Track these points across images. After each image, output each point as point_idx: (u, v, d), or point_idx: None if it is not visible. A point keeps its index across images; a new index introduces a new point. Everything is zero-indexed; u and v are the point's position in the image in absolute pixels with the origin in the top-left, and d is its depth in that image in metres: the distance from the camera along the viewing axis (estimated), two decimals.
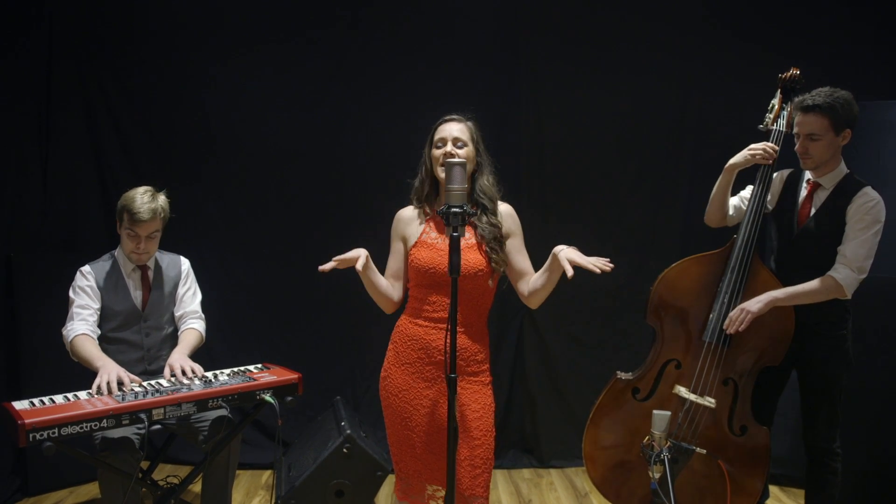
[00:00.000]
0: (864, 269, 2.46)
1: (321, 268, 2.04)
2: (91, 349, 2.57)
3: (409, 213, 2.25)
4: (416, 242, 2.18)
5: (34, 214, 3.59)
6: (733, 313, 2.50)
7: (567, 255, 1.94)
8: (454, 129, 2.16)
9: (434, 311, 2.13)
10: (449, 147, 2.13)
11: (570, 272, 1.90)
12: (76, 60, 3.73)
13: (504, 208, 2.22)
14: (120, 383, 2.41)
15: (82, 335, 2.61)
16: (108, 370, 2.45)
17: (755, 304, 2.48)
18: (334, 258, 2.04)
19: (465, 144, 2.14)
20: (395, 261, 2.25)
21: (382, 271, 2.24)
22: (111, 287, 2.74)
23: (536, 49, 3.82)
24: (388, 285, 2.22)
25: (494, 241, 2.14)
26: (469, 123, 2.20)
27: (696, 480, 2.59)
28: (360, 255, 2.05)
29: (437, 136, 2.17)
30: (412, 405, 2.16)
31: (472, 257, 2.10)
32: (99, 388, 2.38)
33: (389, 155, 3.84)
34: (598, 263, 1.90)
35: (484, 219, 2.15)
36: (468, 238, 2.13)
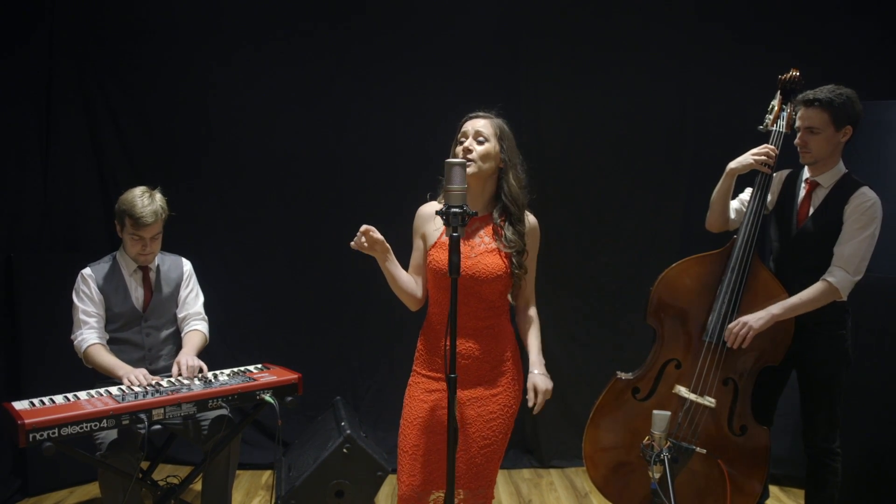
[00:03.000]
0: (859, 270, 2.46)
1: (352, 244, 1.97)
2: (108, 358, 2.63)
3: (428, 210, 2.17)
4: (434, 243, 2.12)
5: (34, 214, 3.59)
6: (734, 326, 2.50)
7: (535, 381, 2.07)
8: (478, 124, 2.08)
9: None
10: (468, 142, 2.06)
11: (530, 402, 2.07)
12: (76, 60, 3.73)
13: (530, 221, 2.15)
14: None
15: (95, 345, 2.65)
16: (130, 373, 2.53)
17: (757, 320, 2.48)
18: (363, 228, 1.95)
19: (486, 140, 2.06)
20: (416, 257, 2.20)
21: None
22: (112, 289, 2.75)
23: (536, 49, 3.82)
24: (409, 279, 2.15)
25: (517, 256, 2.08)
26: (495, 121, 2.11)
27: (696, 480, 2.59)
28: (382, 242, 1.99)
29: (460, 133, 2.11)
30: (433, 412, 2.10)
31: (490, 261, 2.05)
32: (131, 382, 2.48)
33: (391, 154, 3.85)
34: (538, 407, 2.08)
35: (510, 228, 2.08)
36: (488, 243, 2.08)
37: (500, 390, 2.13)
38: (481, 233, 2.10)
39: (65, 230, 3.70)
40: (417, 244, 2.19)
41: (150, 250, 2.74)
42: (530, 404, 2.08)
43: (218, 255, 3.89)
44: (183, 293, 2.89)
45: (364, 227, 1.95)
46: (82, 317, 2.69)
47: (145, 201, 2.66)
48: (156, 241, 2.75)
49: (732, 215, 2.74)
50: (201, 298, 2.95)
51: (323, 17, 3.82)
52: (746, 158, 2.60)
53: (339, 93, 3.86)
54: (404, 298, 2.16)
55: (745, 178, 2.69)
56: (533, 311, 2.21)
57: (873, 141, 3.26)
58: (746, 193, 2.72)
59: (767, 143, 2.64)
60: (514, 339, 2.19)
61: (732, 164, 2.62)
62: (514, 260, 2.07)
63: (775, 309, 2.50)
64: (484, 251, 2.07)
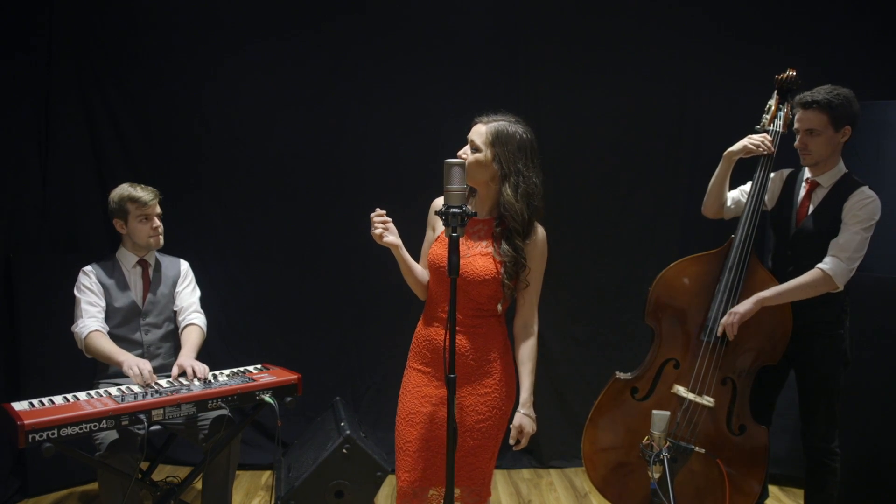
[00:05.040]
0: (854, 259, 2.46)
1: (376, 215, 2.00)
2: (108, 345, 2.65)
3: (441, 203, 2.15)
4: (438, 237, 2.12)
5: (34, 215, 3.59)
6: (724, 319, 2.51)
7: (521, 422, 2.07)
8: (475, 131, 2.03)
9: (443, 312, 2.07)
10: (462, 151, 2.03)
11: (512, 440, 2.07)
12: (75, 61, 3.73)
13: (537, 235, 2.07)
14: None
15: (96, 332, 2.67)
16: (132, 360, 2.55)
17: (742, 306, 2.49)
18: (377, 214, 1.98)
19: (477, 150, 2.00)
20: (426, 248, 2.20)
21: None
22: (113, 284, 2.79)
23: (535, 50, 3.82)
24: (422, 270, 2.18)
25: (512, 267, 2.01)
26: (493, 125, 2.01)
27: (695, 480, 2.59)
28: (393, 236, 2.01)
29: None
30: (425, 407, 2.11)
31: (480, 263, 2.03)
32: (132, 370, 2.49)
33: (390, 155, 3.85)
34: (519, 446, 2.08)
35: (507, 240, 2.01)
36: (485, 246, 2.06)
37: (487, 391, 2.10)
38: (481, 235, 2.09)
39: (64, 230, 3.70)
40: (429, 236, 2.21)
41: (162, 229, 2.85)
42: (512, 441, 2.08)
43: (218, 256, 3.89)
44: (179, 288, 2.94)
45: (374, 214, 1.98)
46: (84, 307, 2.72)
47: (137, 187, 2.82)
48: (160, 221, 2.86)
49: (730, 203, 2.74)
50: (198, 293, 3.00)
51: (322, 18, 3.82)
52: (742, 143, 2.63)
53: (339, 94, 3.86)
54: (417, 287, 2.19)
55: (750, 174, 2.68)
56: (533, 330, 2.14)
57: (873, 141, 3.26)
58: (749, 185, 2.72)
59: None
60: (506, 341, 2.17)
61: (730, 149, 2.65)
62: (505, 269, 2.03)
63: (764, 293, 2.50)
64: (478, 253, 2.05)
